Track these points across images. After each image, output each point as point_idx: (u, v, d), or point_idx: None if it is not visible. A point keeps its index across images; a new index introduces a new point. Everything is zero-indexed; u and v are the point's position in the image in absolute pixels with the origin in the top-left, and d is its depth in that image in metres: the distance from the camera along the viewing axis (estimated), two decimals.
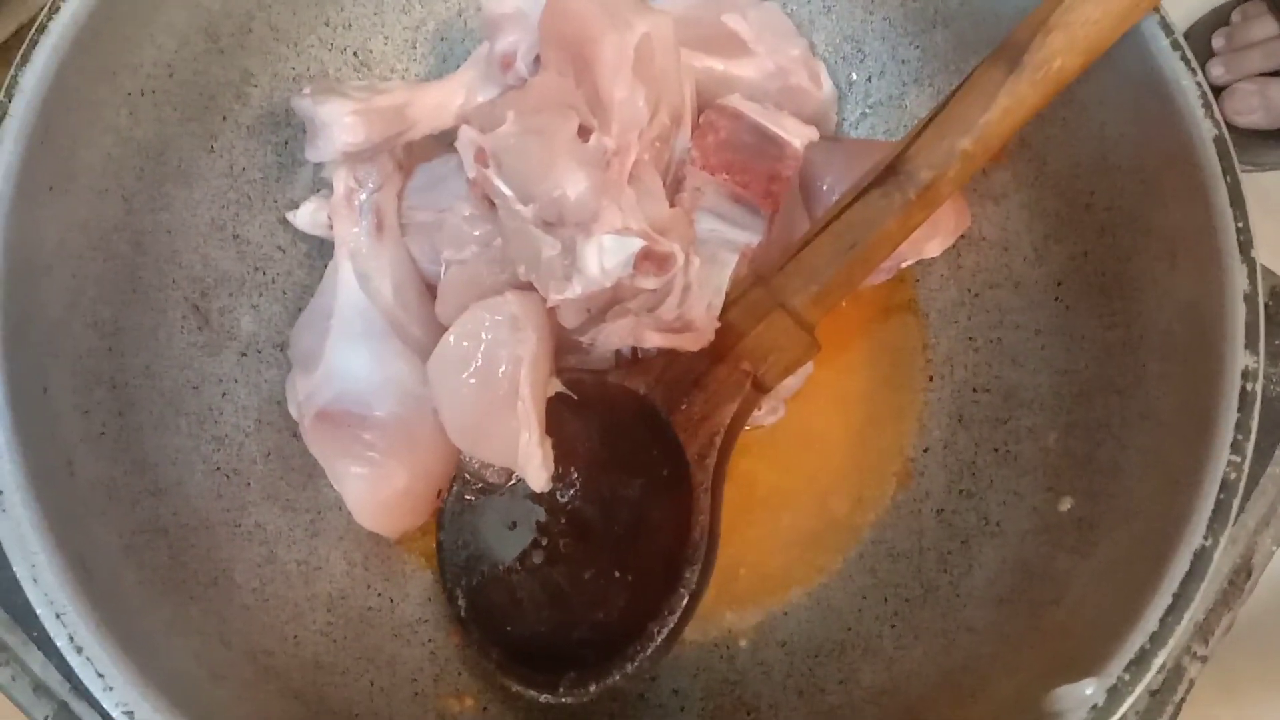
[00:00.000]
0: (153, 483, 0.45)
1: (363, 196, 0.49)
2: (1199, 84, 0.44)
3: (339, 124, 0.47)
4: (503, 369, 0.45)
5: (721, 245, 0.48)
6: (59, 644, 0.38)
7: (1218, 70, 0.61)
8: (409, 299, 0.50)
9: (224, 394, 0.50)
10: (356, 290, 0.49)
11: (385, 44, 0.55)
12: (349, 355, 0.49)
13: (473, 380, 0.46)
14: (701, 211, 0.49)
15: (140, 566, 0.42)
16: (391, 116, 0.48)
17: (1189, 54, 0.44)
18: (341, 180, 0.49)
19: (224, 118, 0.51)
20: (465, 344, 0.46)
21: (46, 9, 0.43)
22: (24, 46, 0.43)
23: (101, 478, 0.43)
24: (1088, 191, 0.49)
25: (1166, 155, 0.45)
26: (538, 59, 0.48)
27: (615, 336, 0.46)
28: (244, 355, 0.51)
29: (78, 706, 0.51)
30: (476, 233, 0.49)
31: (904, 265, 0.52)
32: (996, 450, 0.51)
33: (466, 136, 0.46)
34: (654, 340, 0.46)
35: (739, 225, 0.49)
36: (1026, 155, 0.52)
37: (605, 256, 0.44)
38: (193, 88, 0.49)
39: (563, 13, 0.46)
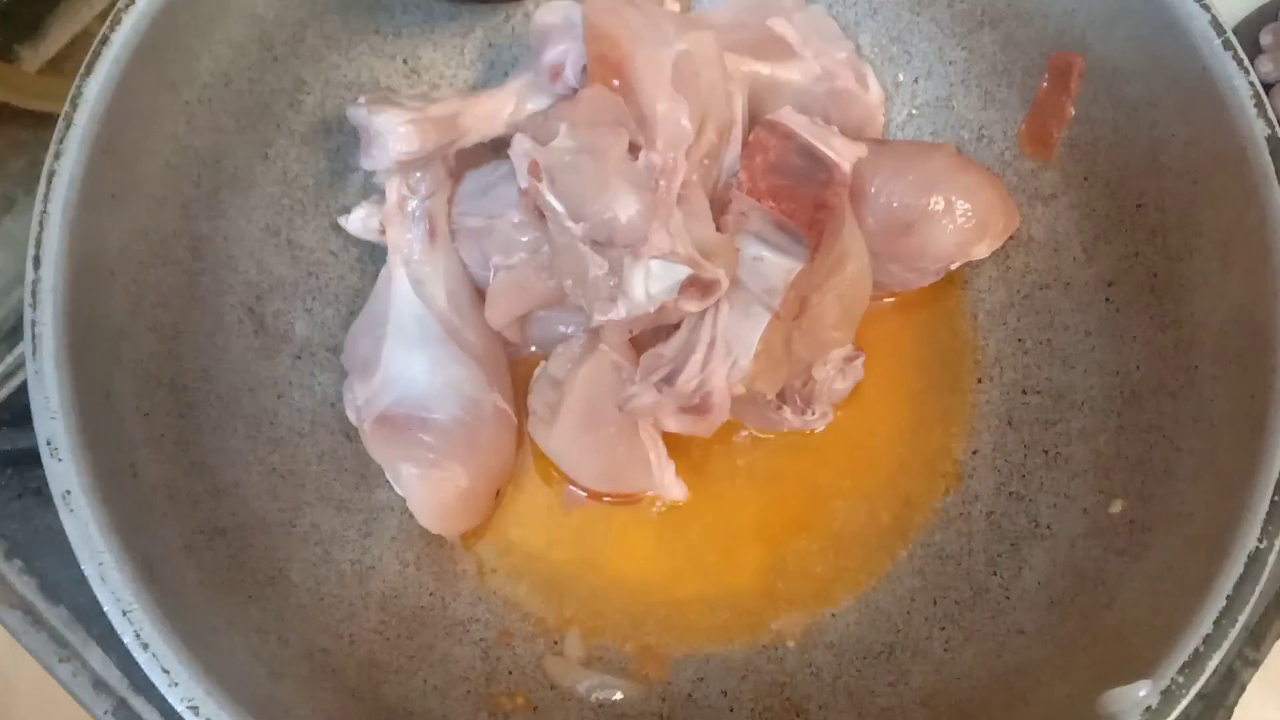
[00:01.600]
0: (211, 484, 0.46)
1: (415, 203, 0.50)
2: (1252, 83, 0.44)
3: (394, 133, 0.47)
4: (619, 412, 0.48)
5: (755, 298, 0.48)
6: (125, 640, 0.39)
7: (1266, 67, 0.60)
8: (462, 304, 0.51)
9: (279, 396, 0.51)
10: (412, 296, 0.50)
11: (434, 51, 0.56)
12: (406, 360, 0.49)
13: (599, 432, 0.48)
14: (745, 235, 0.49)
15: (201, 566, 0.43)
16: (445, 125, 0.48)
17: (1241, 53, 0.44)
18: (394, 188, 0.50)
19: (278, 125, 0.52)
20: (582, 408, 0.48)
21: (109, 21, 0.44)
22: (88, 58, 0.44)
23: (163, 479, 0.44)
24: (1138, 192, 0.49)
25: (1218, 155, 0.45)
26: (586, 69, 0.49)
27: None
28: (298, 358, 0.52)
29: (136, 703, 0.52)
30: (525, 239, 0.49)
31: (953, 267, 0.52)
32: (1046, 452, 0.50)
33: (520, 148, 0.47)
34: (670, 425, 0.47)
35: (783, 250, 0.49)
36: (1076, 156, 0.52)
37: (651, 282, 0.45)
38: (248, 96, 0.50)
39: (598, 32, 0.46)
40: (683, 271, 0.44)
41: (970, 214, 0.51)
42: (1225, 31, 0.44)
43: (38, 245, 0.42)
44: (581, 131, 0.46)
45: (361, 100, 0.48)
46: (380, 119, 0.47)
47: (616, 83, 0.46)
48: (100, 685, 0.52)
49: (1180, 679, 0.37)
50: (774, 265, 0.48)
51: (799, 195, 0.49)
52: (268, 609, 0.45)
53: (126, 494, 0.42)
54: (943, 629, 0.49)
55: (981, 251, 0.52)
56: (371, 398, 0.49)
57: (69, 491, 0.40)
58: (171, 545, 0.43)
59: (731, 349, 0.47)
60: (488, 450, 0.50)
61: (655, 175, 0.45)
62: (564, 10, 0.48)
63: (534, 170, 0.46)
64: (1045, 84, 0.52)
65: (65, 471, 0.40)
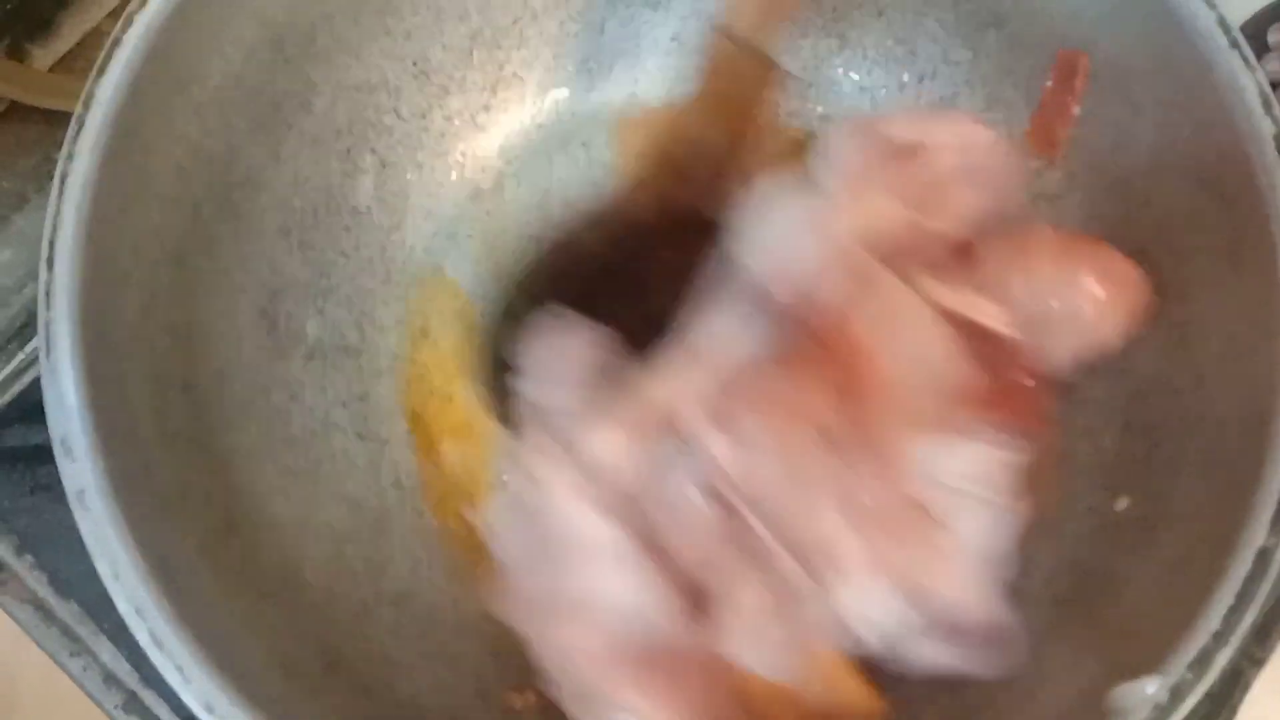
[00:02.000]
0: (225, 483, 0.46)
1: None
2: (1258, 82, 0.44)
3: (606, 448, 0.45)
4: None
5: (985, 502, 0.44)
6: (139, 639, 0.39)
7: (1274, 64, 0.60)
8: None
9: (292, 397, 0.51)
10: (594, 520, 0.45)
11: (444, 52, 0.56)
12: (612, 586, 0.44)
13: None
14: (954, 443, 0.44)
15: (215, 564, 0.43)
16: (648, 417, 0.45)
17: (1248, 52, 0.44)
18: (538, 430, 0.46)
19: (289, 127, 0.52)
20: None
21: (121, 22, 0.44)
22: (100, 59, 0.44)
23: (177, 478, 0.44)
24: (1144, 191, 0.49)
25: (1225, 154, 0.45)
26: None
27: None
28: (310, 359, 0.52)
29: (146, 696, 0.52)
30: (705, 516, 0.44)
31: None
32: (1051, 448, 0.50)
33: (702, 435, 0.43)
34: (934, 660, 0.43)
35: (993, 444, 0.45)
36: (1080, 156, 0.52)
37: (864, 607, 0.42)
38: (259, 98, 0.50)
39: (846, 335, 0.43)
40: (895, 602, 0.42)
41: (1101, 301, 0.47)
42: (1231, 30, 0.44)
43: (51, 247, 0.42)
44: (772, 426, 0.42)
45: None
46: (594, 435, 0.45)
47: (831, 369, 0.43)
48: (110, 679, 0.52)
49: (1189, 675, 0.38)
50: (989, 461, 0.45)
51: (995, 389, 0.45)
52: (281, 607, 0.45)
53: (141, 493, 0.42)
54: None
55: (1113, 336, 0.48)
56: (584, 636, 0.44)
57: (83, 491, 0.40)
58: (185, 544, 0.43)
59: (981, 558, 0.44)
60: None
61: (857, 484, 0.42)
62: (792, 238, 0.44)
63: (720, 472, 0.43)
64: (1050, 83, 0.53)
65: (80, 471, 0.40)
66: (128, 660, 0.52)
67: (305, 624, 0.45)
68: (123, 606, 0.39)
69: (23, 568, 0.54)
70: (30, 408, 0.54)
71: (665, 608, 0.44)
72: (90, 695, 0.52)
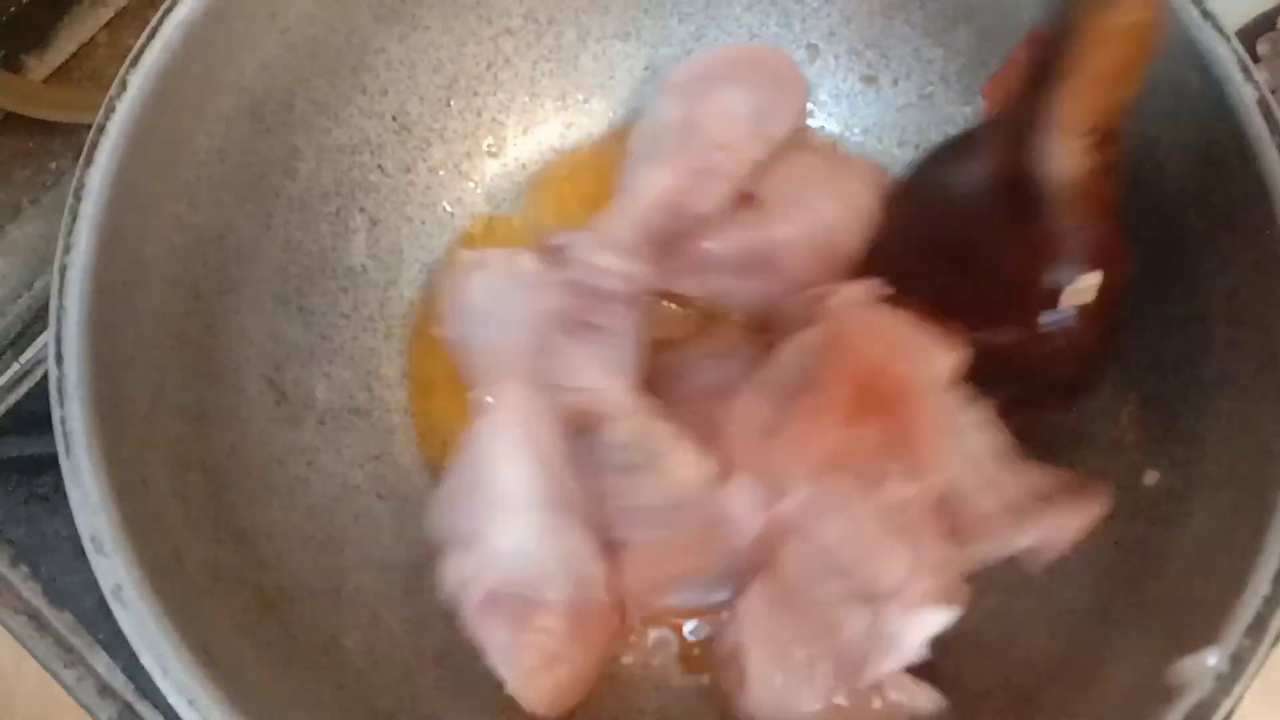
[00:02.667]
0: (254, 559, 0.46)
1: None
2: (1235, 50, 0.45)
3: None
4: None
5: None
6: None
7: (1262, 76, 0.61)
8: (560, 462, 0.48)
9: (308, 464, 0.50)
10: (521, 463, 0.47)
11: (421, 104, 0.56)
12: (515, 533, 0.46)
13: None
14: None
15: (256, 643, 0.43)
16: None
17: (1219, 22, 0.45)
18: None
19: (276, 195, 0.52)
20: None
21: (103, 109, 0.44)
22: (85, 148, 0.44)
23: (207, 560, 0.43)
24: (1133, 168, 0.49)
25: (1210, 125, 0.45)
26: None
27: None
28: (322, 424, 0.52)
29: (141, 707, 0.51)
30: (665, 514, 0.47)
31: None
32: (1071, 431, 0.51)
33: (745, 499, 0.45)
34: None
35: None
36: None
37: (924, 630, 0.43)
38: (245, 169, 0.50)
39: (869, 369, 0.44)
40: (953, 615, 0.44)
41: None
42: (1203, 3, 0.45)
43: (58, 342, 0.42)
44: (827, 481, 0.44)
45: None
46: None
47: (869, 415, 0.44)
48: (105, 690, 0.52)
49: (1247, 642, 0.38)
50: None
51: None
52: (326, 678, 0.45)
53: (174, 581, 0.41)
54: (993, 619, 0.49)
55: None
56: (478, 573, 0.46)
57: (120, 587, 0.39)
58: (224, 626, 0.42)
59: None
60: (601, 629, 0.47)
61: (907, 509, 0.43)
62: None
63: (777, 527, 0.44)
64: (1019, 50, 0.53)
65: (113, 566, 0.39)
66: (123, 671, 0.51)
67: (352, 692, 0.45)
68: (174, 698, 0.38)
69: (17, 578, 0.53)
70: (26, 419, 0.53)
71: (567, 563, 0.46)
72: (85, 706, 0.52)
